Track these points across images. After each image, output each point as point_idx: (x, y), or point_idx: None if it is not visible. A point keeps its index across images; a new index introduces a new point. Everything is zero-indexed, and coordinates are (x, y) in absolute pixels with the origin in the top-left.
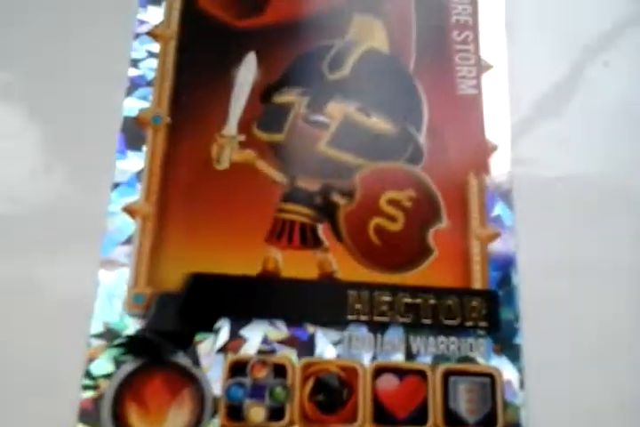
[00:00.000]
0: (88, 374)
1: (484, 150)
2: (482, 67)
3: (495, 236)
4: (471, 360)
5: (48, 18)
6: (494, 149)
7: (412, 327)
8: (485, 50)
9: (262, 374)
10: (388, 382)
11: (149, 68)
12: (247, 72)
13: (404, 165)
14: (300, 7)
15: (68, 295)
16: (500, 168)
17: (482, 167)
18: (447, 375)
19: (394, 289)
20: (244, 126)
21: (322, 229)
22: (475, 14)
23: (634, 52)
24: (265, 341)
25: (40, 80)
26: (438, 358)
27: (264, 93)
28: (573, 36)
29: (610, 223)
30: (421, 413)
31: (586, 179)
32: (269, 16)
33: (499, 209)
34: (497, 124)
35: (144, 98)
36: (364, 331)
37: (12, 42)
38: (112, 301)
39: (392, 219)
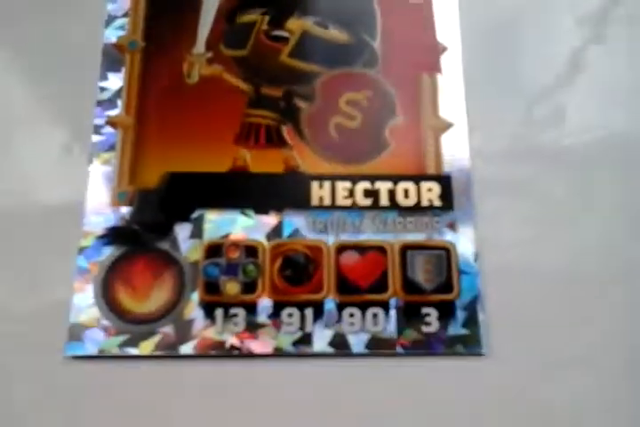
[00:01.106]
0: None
1: (435, 51)
2: None
3: (448, 126)
4: (428, 237)
5: None
6: (444, 49)
7: (372, 210)
8: None
9: (236, 254)
10: (350, 257)
11: (125, 1)
12: None
13: (360, 69)
14: None
15: (62, 195)
16: (449, 67)
17: (434, 67)
18: (405, 250)
19: (353, 178)
20: (211, 45)
21: (286, 131)
22: None
23: None
24: (237, 227)
25: (29, 18)
26: (397, 236)
27: (229, 15)
28: None
29: None
30: (382, 283)
31: None
32: None
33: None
34: (447, 26)
35: (121, 28)
36: (327, 215)
37: None
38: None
39: (350, 117)
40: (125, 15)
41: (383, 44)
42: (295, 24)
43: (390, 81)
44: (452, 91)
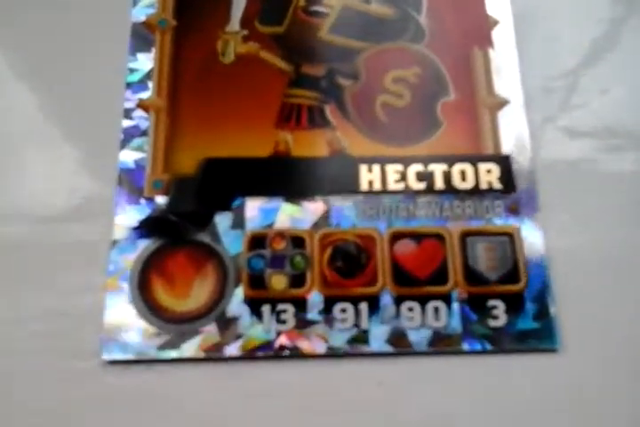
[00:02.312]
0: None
1: (485, 25)
2: None
3: (504, 103)
4: (488, 221)
5: None
6: (495, 23)
7: (426, 194)
8: None
9: (281, 245)
10: (406, 246)
11: None
12: None
13: (406, 43)
14: None
15: (92, 185)
16: (502, 41)
17: (485, 41)
18: (465, 236)
19: (405, 160)
20: (246, 22)
21: (329, 110)
22: None
23: None
24: (281, 215)
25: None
26: (455, 222)
27: None
28: None
29: None
30: (441, 273)
31: None
32: None
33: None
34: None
35: (150, 6)
36: (378, 200)
37: None
38: (132, 187)
39: (398, 96)
40: None
41: (429, 19)
42: None
43: (439, 57)
44: (505, 66)
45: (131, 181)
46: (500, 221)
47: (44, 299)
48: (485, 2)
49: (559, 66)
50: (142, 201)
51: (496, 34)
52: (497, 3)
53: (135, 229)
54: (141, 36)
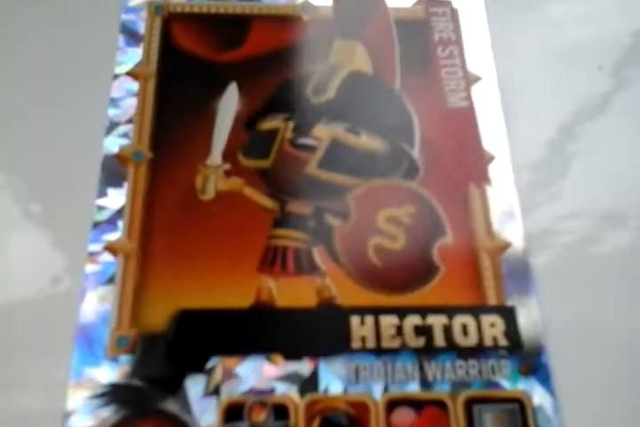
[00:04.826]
0: None
1: (482, 161)
2: (470, 79)
3: (505, 247)
4: (495, 385)
5: (28, 60)
6: (492, 158)
7: (425, 352)
8: (472, 63)
9: (261, 416)
10: (404, 416)
11: (129, 106)
12: (229, 101)
13: (399, 181)
14: (278, 38)
15: (45, 342)
16: (500, 178)
17: (482, 178)
18: (470, 404)
19: (401, 311)
20: (229, 155)
21: (317, 253)
22: (457, 30)
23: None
24: (262, 379)
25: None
26: (458, 385)
27: (248, 121)
28: (563, 43)
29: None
30: None
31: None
32: (249, 49)
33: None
34: (493, 134)
35: (125, 135)
36: (371, 360)
37: None
38: (93, 346)
39: (392, 237)
40: (130, 122)
41: (423, 153)
42: (323, 131)
43: (434, 194)
44: (503, 204)
45: (90, 338)
46: (507, 384)
47: None
48: (481, 135)
49: (563, 206)
50: (103, 362)
51: (493, 170)
52: (493, 137)
53: (94, 396)
54: (113, 170)
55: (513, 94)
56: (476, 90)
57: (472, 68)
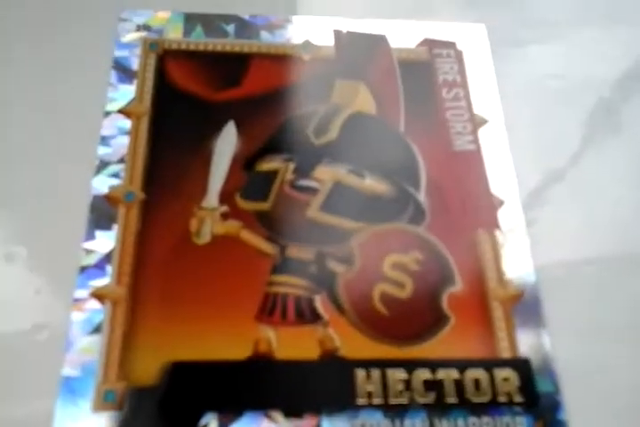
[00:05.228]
0: None
1: (490, 205)
2: (476, 122)
3: (518, 296)
4: None
5: (18, 95)
6: (501, 203)
7: (436, 409)
8: (478, 105)
9: None
10: None
11: (121, 144)
12: (226, 142)
13: (405, 225)
14: (278, 78)
15: (25, 394)
16: (509, 223)
17: (491, 223)
18: None
19: (409, 364)
20: (226, 197)
21: (319, 301)
22: (462, 71)
23: None
24: None
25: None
26: None
27: (246, 162)
28: (571, 82)
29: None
30: None
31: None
32: (247, 88)
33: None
34: (501, 178)
35: (115, 175)
36: (378, 417)
37: None
38: (77, 400)
39: (399, 285)
40: (121, 161)
41: (429, 196)
42: (325, 172)
43: (442, 240)
44: (514, 249)
45: (75, 391)
46: None
47: None
48: (488, 181)
49: (575, 252)
50: (89, 417)
51: (502, 215)
52: (501, 182)
53: None
54: (102, 211)
55: (520, 137)
56: (482, 133)
57: (478, 110)
